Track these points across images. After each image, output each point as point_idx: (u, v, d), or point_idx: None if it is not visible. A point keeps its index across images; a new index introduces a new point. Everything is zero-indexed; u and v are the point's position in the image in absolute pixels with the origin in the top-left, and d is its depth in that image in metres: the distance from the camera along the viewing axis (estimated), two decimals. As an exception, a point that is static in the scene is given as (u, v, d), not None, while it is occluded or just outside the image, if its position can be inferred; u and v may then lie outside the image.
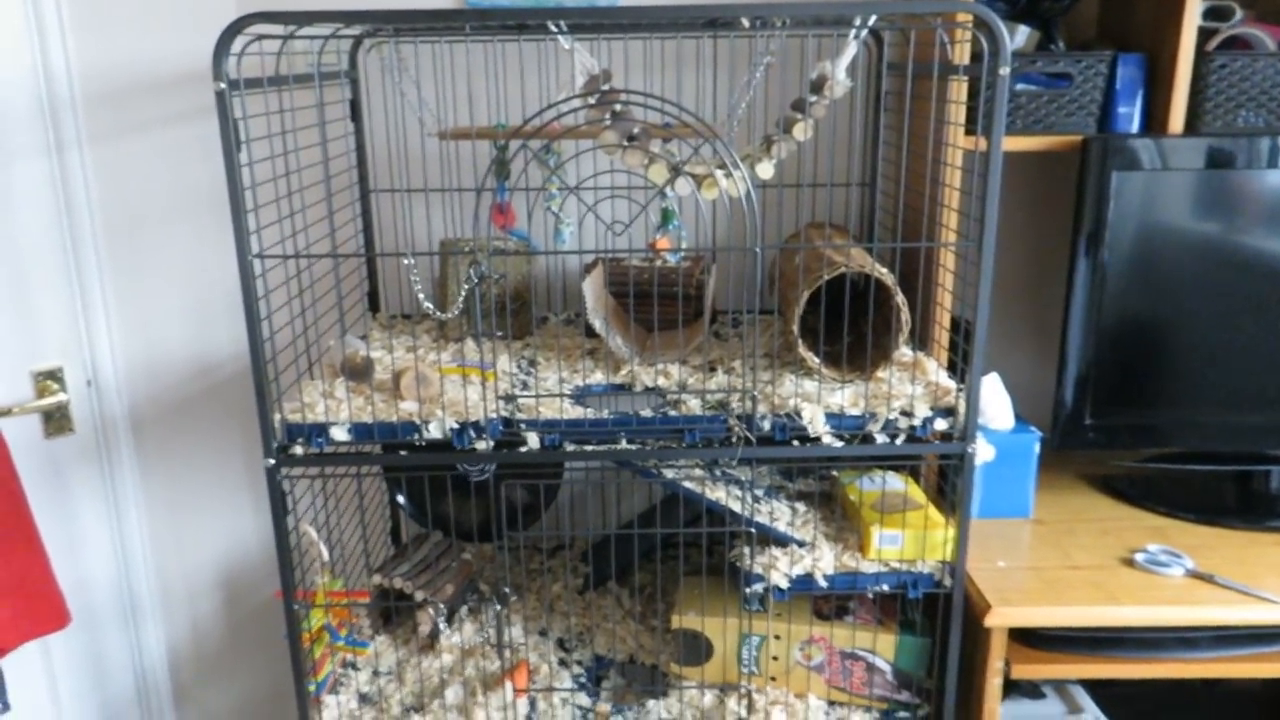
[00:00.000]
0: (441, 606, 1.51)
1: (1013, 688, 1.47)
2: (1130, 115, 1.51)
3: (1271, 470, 1.63)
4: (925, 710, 1.41)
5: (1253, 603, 1.33)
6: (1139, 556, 1.44)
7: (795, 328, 1.35)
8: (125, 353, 1.66)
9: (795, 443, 1.29)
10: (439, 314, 1.37)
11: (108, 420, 1.65)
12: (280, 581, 1.33)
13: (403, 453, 1.30)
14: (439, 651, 1.53)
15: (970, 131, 1.42)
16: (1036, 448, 1.57)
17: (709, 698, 1.44)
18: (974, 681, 1.40)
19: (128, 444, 1.68)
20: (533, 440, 1.28)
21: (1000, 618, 1.32)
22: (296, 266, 1.33)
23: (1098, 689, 1.51)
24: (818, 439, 1.29)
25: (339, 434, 1.27)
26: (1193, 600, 1.34)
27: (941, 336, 1.49)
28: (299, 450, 1.28)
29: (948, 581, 1.33)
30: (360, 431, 1.28)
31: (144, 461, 1.71)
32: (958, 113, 1.41)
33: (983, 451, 1.46)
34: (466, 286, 1.28)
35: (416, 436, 1.28)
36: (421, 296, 1.31)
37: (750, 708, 1.41)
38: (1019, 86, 1.48)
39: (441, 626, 1.52)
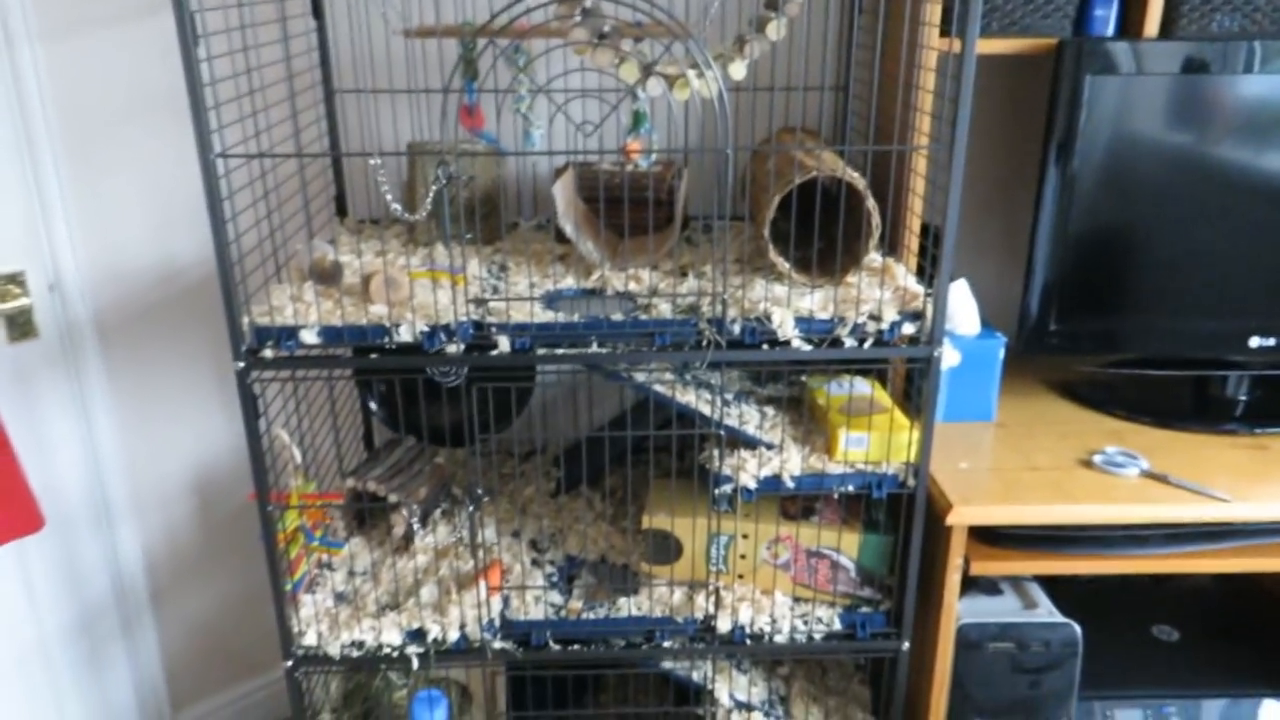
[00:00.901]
0: (415, 508, 1.53)
1: (971, 584, 1.52)
2: (1106, 18, 1.49)
3: (1228, 375, 1.67)
4: (886, 605, 1.46)
5: (1203, 501, 1.37)
6: (1096, 458, 1.48)
7: (766, 232, 1.35)
8: (88, 256, 1.63)
9: (765, 347, 1.31)
10: (406, 216, 1.35)
11: (73, 325, 1.63)
12: (254, 484, 1.34)
13: (373, 356, 1.30)
14: (413, 552, 1.56)
15: (945, 33, 1.40)
16: (1001, 353, 1.59)
17: (678, 595, 1.48)
18: (934, 578, 1.44)
19: (94, 349, 1.67)
20: (503, 344, 1.28)
21: (960, 516, 1.36)
22: (261, 167, 1.30)
23: (1053, 585, 1.56)
24: (787, 343, 1.30)
25: (308, 337, 1.27)
26: (1146, 499, 1.38)
27: (911, 242, 1.49)
28: (268, 354, 1.28)
29: (911, 482, 1.37)
30: (330, 334, 1.27)
31: (112, 366, 1.70)
32: (933, 13, 1.39)
33: (948, 356, 1.48)
34: (434, 188, 1.26)
35: (386, 340, 1.28)
36: (389, 198, 1.29)
37: (718, 604, 1.45)
38: (996, -13, 1.46)
39: (415, 528, 1.54)
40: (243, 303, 1.26)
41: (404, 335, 1.27)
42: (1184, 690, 1.60)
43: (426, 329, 1.27)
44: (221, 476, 1.87)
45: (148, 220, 1.68)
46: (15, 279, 1.53)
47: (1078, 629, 1.48)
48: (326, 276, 1.35)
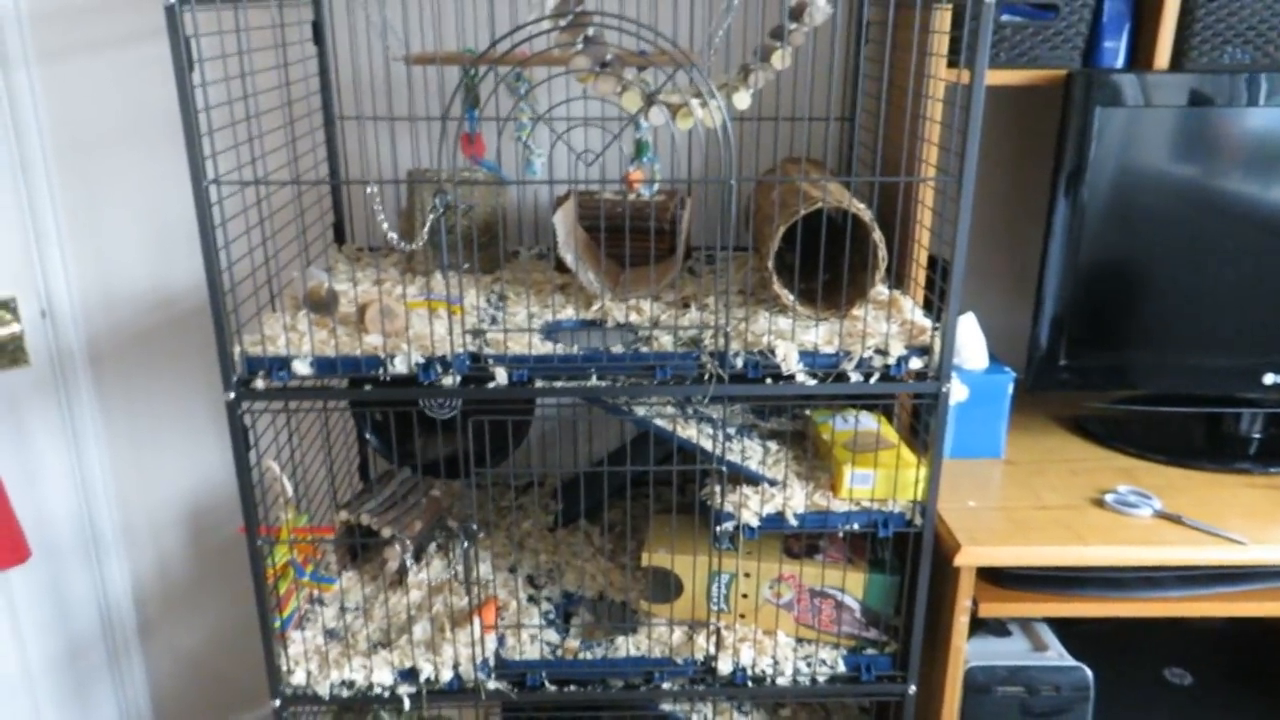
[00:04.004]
0: (408, 543, 1.49)
1: (979, 625, 1.48)
2: (1116, 50, 1.47)
3: (1242, 413, 1.63)
4: (893, 647, 1.42)
5: (1218, 543, 1.33)
6: (1108, 497, 1.44)
7: (770, 264, 1.32)
8: (81, 283, 1.61)
9: (768, 381, 1.28)
10: (403, 244, 1.32)
11: (64, 352, 1.60)
12: (243, 517, 1.30)
13: (367, 387, 1.27)
14: (407, 588, 1.52)
15: (953, 64, 1.38)
16: (1010, 388, 1.56)
17: (678, 634, 1.44)
18: (941, 619, 1.41)
19: (86, 376, 1.64)
20: (500, 376, 1.25)
21: (969, 557, 1.32)
22: (256, 194, 1.28)
23: (1064, 626, 1.52)
24: (791, 377, 1.27)
25: (300, 367, 1.24)
26: (1159, 540, 1.34)
27: (919, 275, 1.47)
28: (260, 384, 1.25)
29: (918, 521, 1.33)
30: (323, 365, 1.25)
31: (103, 394, 1.67)
32: (940, 43, 1.37)
33: (956, 391, 1.44)
34: (430, 216, 1.23)
35: (381, 371, 1.25)
36: (385, 226, 1.27)
37: (719, 644, 1.41)
38: (1004, 17, 1.44)
39: (409, 563, 1.51)
40: (234, 332, 1.23)
41: (399, 367, 1.25)
42: (1198, 736, 1.56)
43: (422, 360, 1.24)
44: (214, 507, 1.84)
45: (144, 247, 1.66)
46: (6, 305, 1.51)
47: (1089, 672, 1.44)
48: (321, 305, 1.33)
